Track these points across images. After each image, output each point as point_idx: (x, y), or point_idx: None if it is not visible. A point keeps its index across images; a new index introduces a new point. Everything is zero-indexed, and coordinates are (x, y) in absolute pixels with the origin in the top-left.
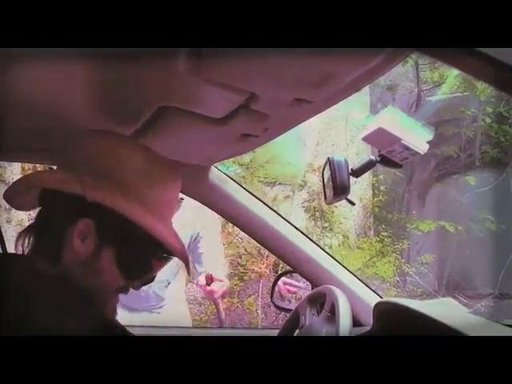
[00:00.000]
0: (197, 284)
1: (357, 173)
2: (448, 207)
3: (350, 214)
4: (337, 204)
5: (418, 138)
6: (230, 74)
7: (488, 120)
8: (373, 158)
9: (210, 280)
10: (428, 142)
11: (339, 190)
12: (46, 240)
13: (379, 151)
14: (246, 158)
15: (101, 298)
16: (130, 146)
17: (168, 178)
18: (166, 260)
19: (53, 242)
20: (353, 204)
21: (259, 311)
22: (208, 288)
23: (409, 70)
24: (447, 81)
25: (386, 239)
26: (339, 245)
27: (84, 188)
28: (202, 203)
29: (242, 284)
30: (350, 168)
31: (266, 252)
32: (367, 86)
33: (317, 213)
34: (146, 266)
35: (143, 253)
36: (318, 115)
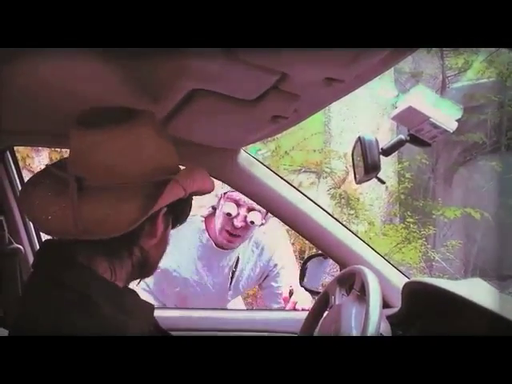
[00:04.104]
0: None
1: (387, 152)
2: (474, 194)
3: (375, 201)
4: (362, 191)
5: (446, 116)
6: (262, 54)
7: None
8: (402, 136)
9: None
10: (457, 121)
11: (370, 167)
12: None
13: (409, 130)
14: (271, 145)
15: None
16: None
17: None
18: None
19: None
20: (383, 182)
21: None
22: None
23: (433, 57)
24: (472, 67)
25: (411, 226)
26: (365, 231)
27: (184, 188)
28: (231, 186)
29: None
30: (380, 147)
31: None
32: (392, 73)
33: (342, 200)
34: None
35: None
36: (342, 101)
